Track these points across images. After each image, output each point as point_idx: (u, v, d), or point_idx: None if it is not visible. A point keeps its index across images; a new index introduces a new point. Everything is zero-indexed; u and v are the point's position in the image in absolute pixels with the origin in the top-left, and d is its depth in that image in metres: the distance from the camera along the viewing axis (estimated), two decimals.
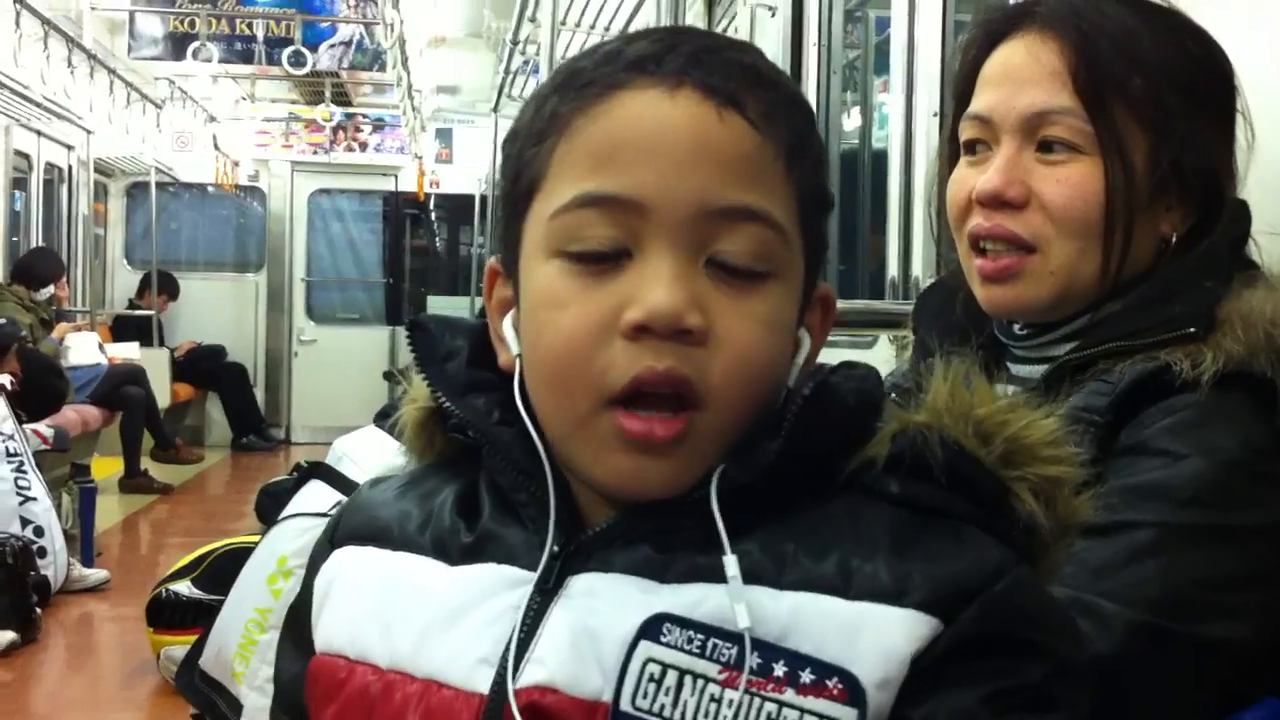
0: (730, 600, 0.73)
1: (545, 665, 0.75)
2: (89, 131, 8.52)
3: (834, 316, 0.87)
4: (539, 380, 0.79)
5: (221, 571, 3.87)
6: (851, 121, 3.91)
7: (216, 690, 3.34)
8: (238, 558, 3.66)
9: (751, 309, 0.77)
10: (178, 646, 3.81)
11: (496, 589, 0.79)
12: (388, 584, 0.84)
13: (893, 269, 2.43)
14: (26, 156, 8.50)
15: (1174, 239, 1.16)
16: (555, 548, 0.78)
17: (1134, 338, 1.10)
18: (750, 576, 0.74)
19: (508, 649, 0.76)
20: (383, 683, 0.80)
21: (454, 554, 0.82)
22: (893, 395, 0.89)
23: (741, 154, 0.77)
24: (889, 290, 2.43)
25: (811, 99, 3.16)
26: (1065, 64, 1.14)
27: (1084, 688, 0.76)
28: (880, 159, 3.03)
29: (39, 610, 4.88)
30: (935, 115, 2.42)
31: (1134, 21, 1.16)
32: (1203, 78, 1.17)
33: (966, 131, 1.21)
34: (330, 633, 0.86)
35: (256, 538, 3.55)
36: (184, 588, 4.09)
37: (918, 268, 2.34)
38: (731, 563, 0.74)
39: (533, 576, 0.78)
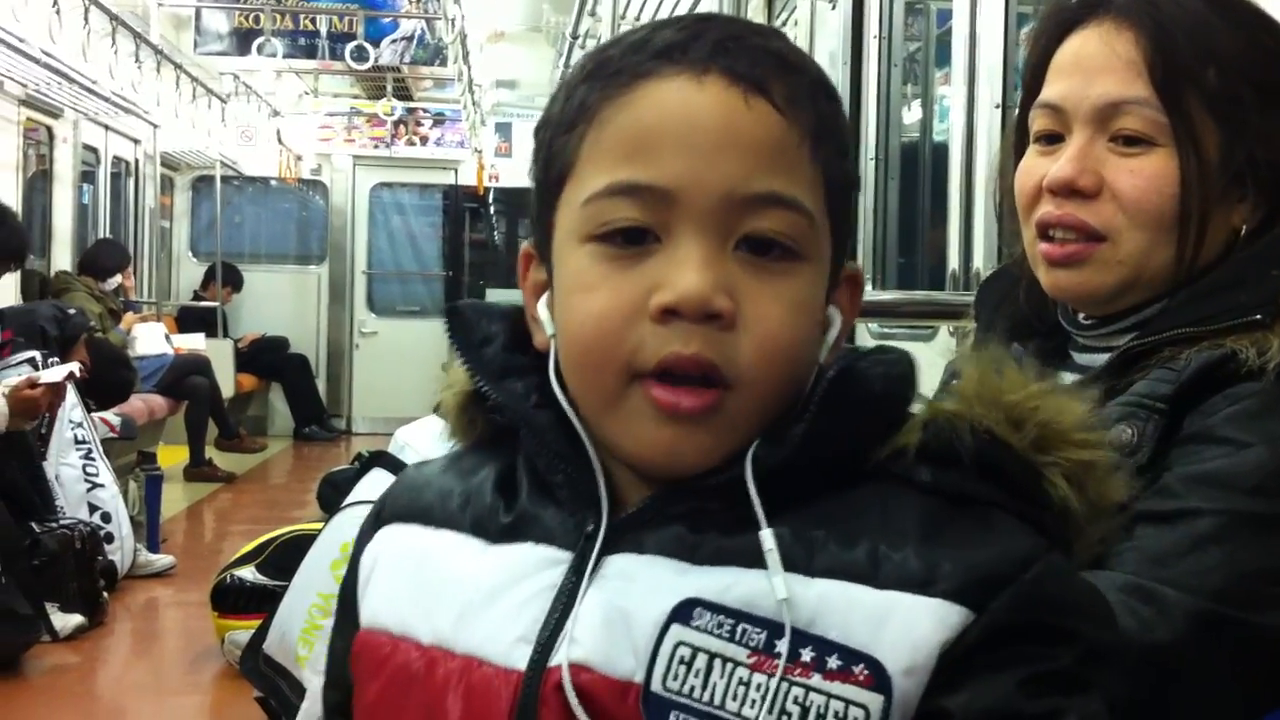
0: (768, 574, 0.74)
1: (581, 645, 0.76)
2: (155, 126, 8.63)
3: (862, 294, 0.89)
4: (571, 360, 0.81)
5: (284, 558, 3.92)
6: (912, 115, 3.90)
7: (280, 674, 3.40)
8: (300, 545, 3.71)
9: (780, 292, 0.78)
10: (242, 631, 3.86)
11: (534, 569, 0.81)
12: (429, 562, 0.86)
13: (953, 261, 2.42)
14: (94, 150, 8.62)
15: (1244, 231, 1.16)
16: (590, 528, 0.80)
17: (1199, 325, 1.09)
18: (781, 561, 0.75)
19: (545, 628, 0.78)
20: (425, 659, 0.82)
21: (493, 533, 0.84)
22: (953, 382, 0.90)
23: (768, 140, 0.78)
24: (949, 282, 2.42)
25: (871, 92, 3.15)
26: (1140, 54, 1.13)
27: (1114, 669, 0.76)
28: (941, 152, 3.02)
29: (106, 595, 4.95)
30: (997, 107, 2.42)
31: (1208, 13, 1.15)
32: (1276, 71, 1.16)
33: (1038, 121, 1.21)
34: (375, 609, 0.88)
35: (319, 525, 3.60)
36: (248, 574, 4.15)
37: (979, 260, 2.33)
38: (768, 535, 0.75)
39: (568, 556, 0.80)
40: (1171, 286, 1.14)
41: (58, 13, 6.19)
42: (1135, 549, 1.01)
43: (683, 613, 0.75)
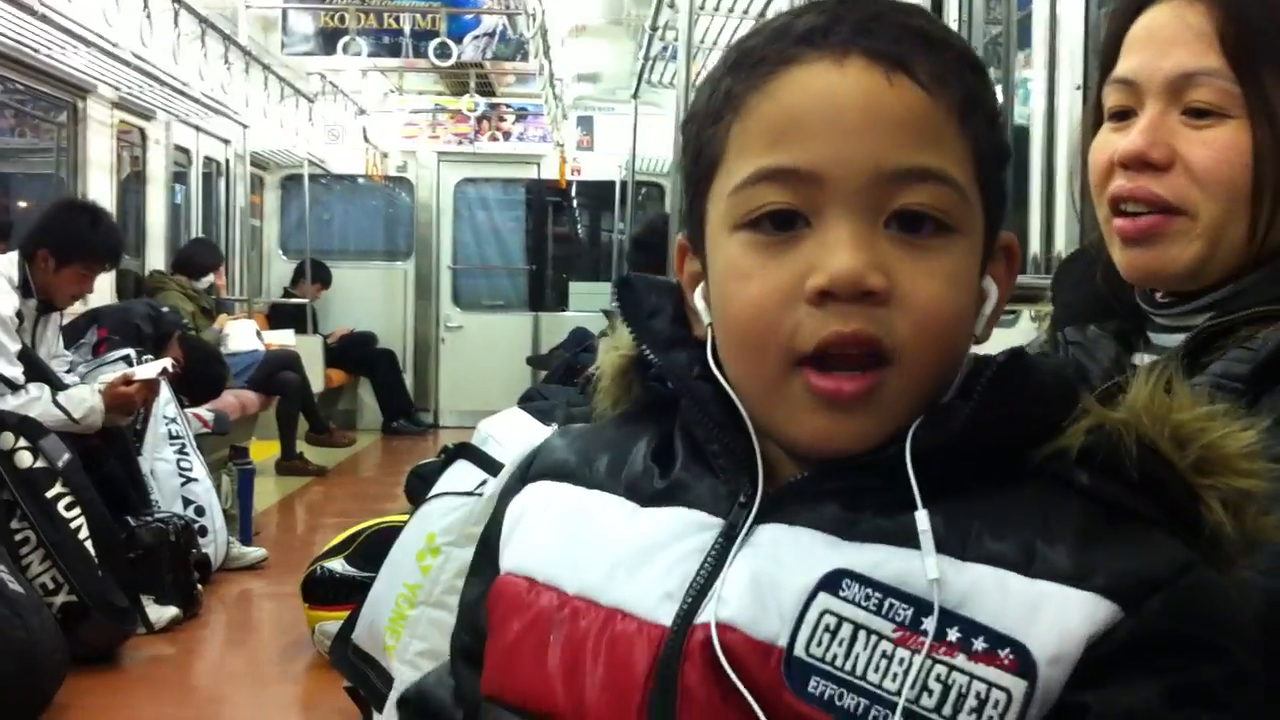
0: (921, 552, 0.75)
1: (728, 605, 0.78)
2: (245, 126, 8.77)
3: (1018, 263, 0.88)
4: (730, 347, 0.83)
5: (373, 549, 3.97)
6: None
7: (369, 664, 3.45)
8: (388, 536, 3.75)
9: (934, 267, 0.78)
10: (331, 622, 3.92)
11: (685, 531, 0.83)
12: (580, 517, 0.88)
13: (1034, 245, 2.39)
14: (186, 151, 8.78)
15: None
16: (743, 498, 0.82)
17: (1276, 303, 1.07)
18: (935, 545, 0.76)
19: (692, 587, 0.80)
20: (569, 607, 0.84)
21: (645, 496, 0.86)
22: (1121, 395, 0.89)
23: (913, 116, 0.78)
24: (1030, 266, 2.40)
25: None
26: (1213, 25, 1.11)
27: (1254, 696, 0.76)
28: (1022, 135, 2.98)
29: (200, 587, 5.05)
30: (1078, 89, 2.38)
31: None
32: None
33: (1111, 97, 1.19)
34: (520, 557, 0.90)
35: (406, 517, 3.64)
36: (337, 565, 4.20)
37: (1060, 243, 2.30)
38: (923, 516, 0.76)
39: (719, 523, 0.82)
40: (1247, 263, 1.12)
41: (148, 17, 6.31)
42: None
43: (831, 582, 0.76)
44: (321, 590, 4.21)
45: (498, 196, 11.79)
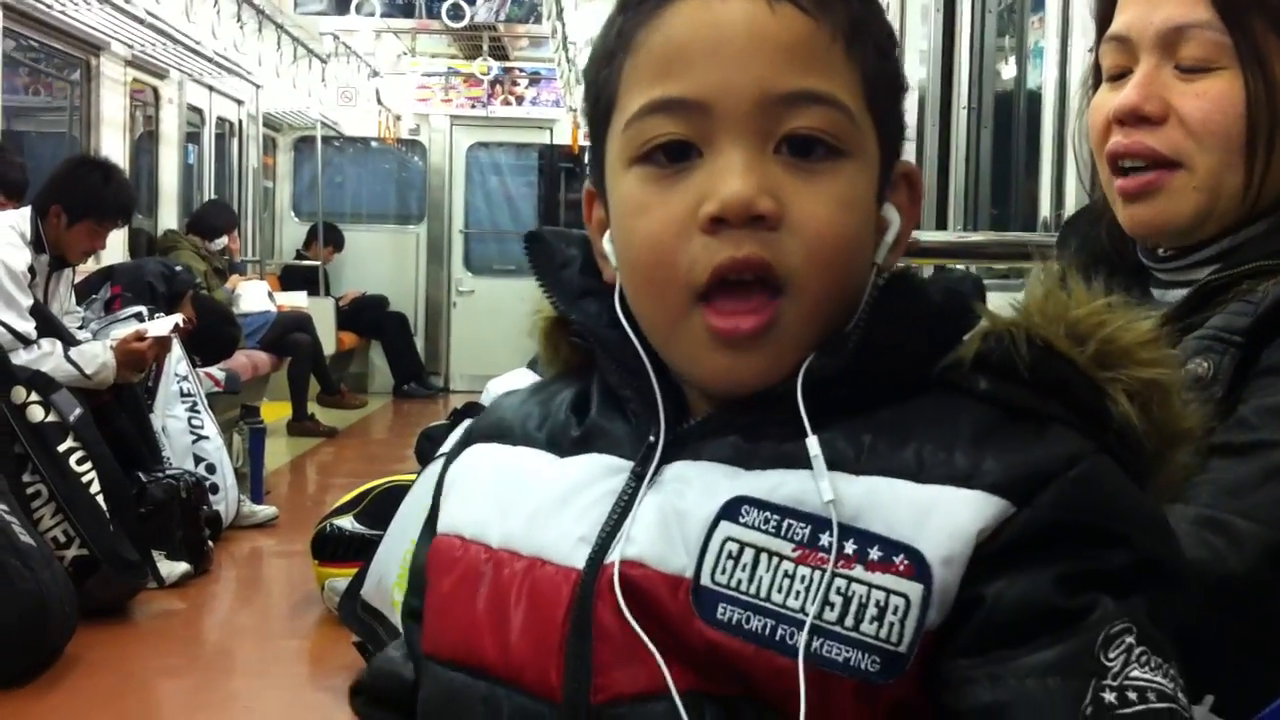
0: (814, 479, 0.76)
1: (636, 543, 0.79)
2: (258, 86, 8.77)
3: (921, 193, 0.89)
4: (633, 287, 0.84)
5: (381, 508, 4.00)
6: (1008, 66, 3.84)
7: (377, 619, 3.49)
8: (396, 495, 3.79)
9: (825, 190, 0.79)
10: (340, 578, 3.96)
11: (599, 476, 0.84)
12: (505, 474, 0.89)
13: (1045, 209, 2.39)
14: (199, 111, 8.79)
15: None
16: (652, 438, 0.82)
17: (1277, 258, 1.08)
18: (829, 463, 0.77)
19: (604, 529, 0.81)
20: (493, 560, 0.85)
21: (564, 447, 0.88)
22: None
23: (796, 40, 0.79)
24: (1040, 226, 2.39)
25: (965, 40, 3.11)
26: None
27: (1171, 586, 0.76)
28: (1035, 99, 2.97)
29: (211, 543, 5.08)
30: (1090, 51, 2.37)
31: None
32: None
33: (1107, 57, 1.19)
34: (451, 516, 0.92)
35: (414, 477, 3.67)
36: (346, 523, 4.23)
37: (1070, 206, 2.30)
38: (814, 442, 0.77)
39: (631, 465, 0.83)
40: (1247, 212, 1.13)
41: None
42: (1209, 481, 1.00)
43: (731, 510, 0.78)
44: (330, 547, 4.24)
45: (510, 161, 11.78)
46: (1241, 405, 1.03)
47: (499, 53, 10.86)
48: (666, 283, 0.80)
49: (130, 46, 6.99)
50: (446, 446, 3.49)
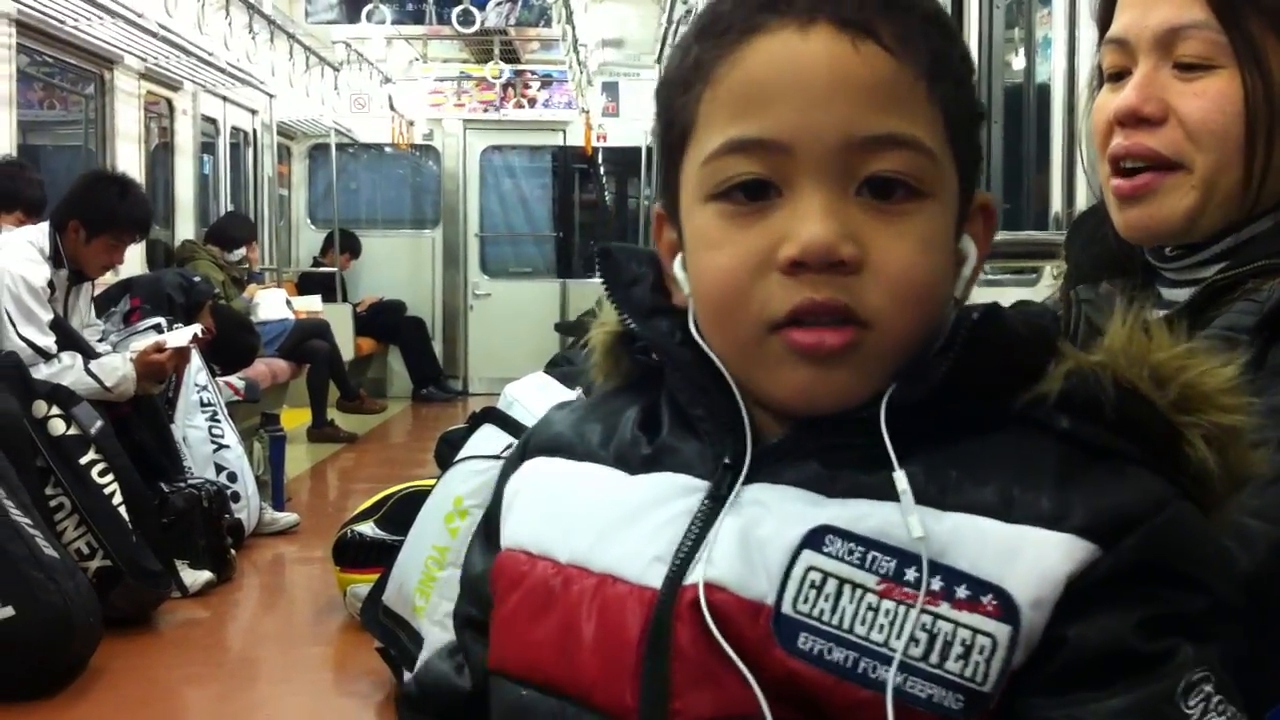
0: (902, 514, 0.76)
1: (716, 565, 0.78)
2: (271, 96, 8.80)
3: (995, 223, 0.88)
4: (706, 316, 0.83)
5: (401, 513, 4.01)
6: (1017, 59, 3.83)
7: (399, 624, 3.49)
8: (416, 500, 3.80)
9: (905, 231, 0.78)
10: (362, 584, 3.97)
11: (672, 495, 0.83)
12: (571, 489, 0.89)
13: (1056, 204, 2.38)
14: (213, 121, 8.82)
15: None
16: (727, 460, 0.82)
17: None
18: (913, 496, 0.76)
19: (680, 549, 0.80)
20: (562, 576, 0.85)
21: (634, 464, 0.87)
22: (1098, 339, 0.90)
23: (880, 82, 0.78)
24: (1053, 225, 2.39)
25: (974, 34, 3.10)
26: None
27: (1240, 626, 0.77)
28: (1044, 93, 2.96)
29: (233, 552, 5.09)
30: (1097, 46, 2.37)
31: None
32: None
33: (1106, 58, 1.20)
34: (516, 531, 0.91)
35: (434, 482, 3.68)
36: (367, 529, 4.24)
37: (1081, 202, 2.30)
38: (901, 477, 0.76)
39: (705, 485, 0.82)
40: (1246, 210, 1.13)
41: None
42: None
43: (815, 539, 0.77)
44: (352, 553, 4.25)
45: (524, 164, 11.79)
46: (1250, 404, 1.04)
47: (510, 56, 10.88)
48: (739, 316, 0.80)
49: (143, 59, 7.02)
50: (466, 451, 3.50)
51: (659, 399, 0.90)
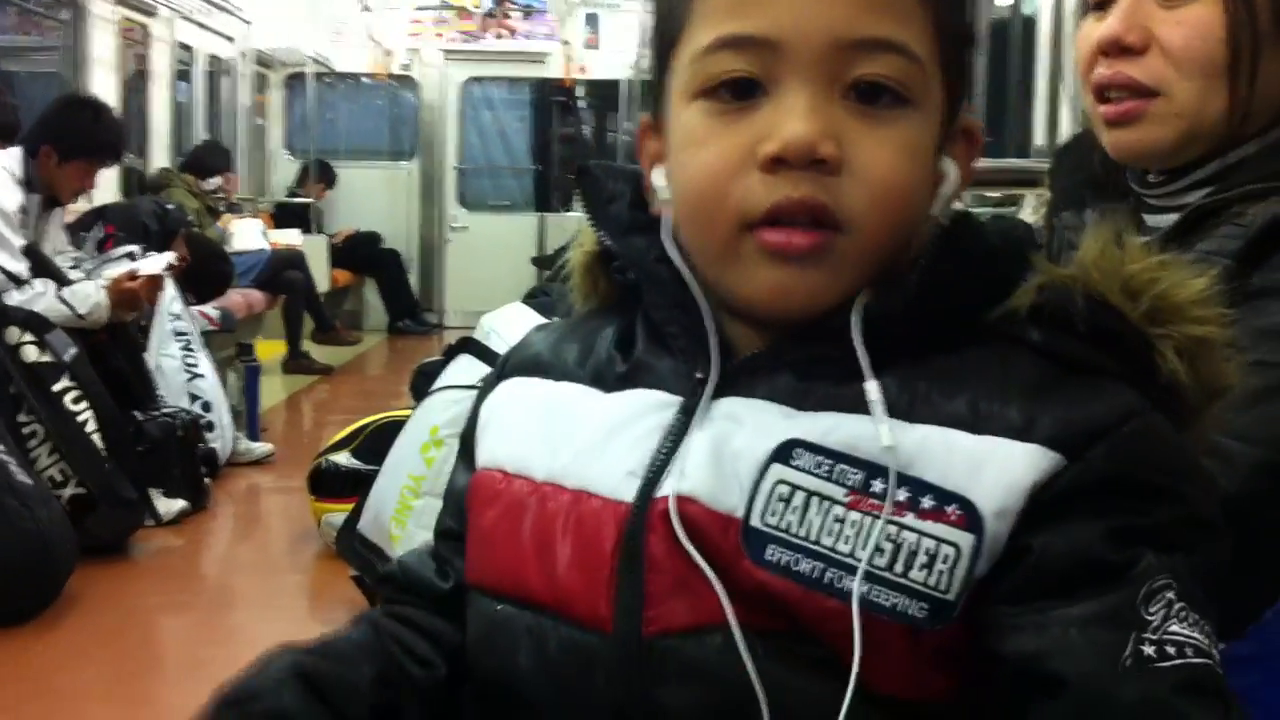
0: (872, 424, 0.76)
1: (688, 478, 0.79)
2: (248, 23, 8.69)
3: (980, 148, 0.88)
4: (685, 214, 0.83)
5: (377, 443, 4.01)
6: None
7: (374, 552, 3.51)
8: (392, 430, 3.80)
9: (888, 136, 0.78)
10: (338, 514, 3.98)
11: (646, 411, 0.84)
12: (548, 408, 0.89)
13: (1039, 135, 2.38)
14: (190, 49, 8.71)
15: None
16: (700, 374, 0.82)
17: (1267, 180, 1.08)
18: (885, 407, 0.77)
19: (653, 463, 0.81)
20: (538, 493, 0.86)
21: (609, 382, 0.88)
22: (1072, 251, 0.90)
23: None
24: (1034, 153, 2.38)
25: None
26: None
27: (1215, 539, 0.77)
28: (1029, 25, 2.94)
29: (208, 480, 5.09)
30: None
31: None
32: None
33: None
34: (493, 450, 0.92)
35: (409, 412, 3.68)
36: (343, 458, 4.24)
37: (1064, 131, 2.29)
38: (873, 387, 0.77)
39: (679, 401, 0.83)
40: (1233, 136, 1.13)
41: None
42: None
43: (783, 452, 0.78)
44: (328, 483, 4.25)
45: (503, 96, 11.70)
46: (1233, 328, 1.04)
47: None
48: (719, 212, 0.79)
49: None
50: (442, 381, 3.50)
51: (634, 319, 0.90)
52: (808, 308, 0.80)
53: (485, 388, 0.97)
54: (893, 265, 0.80)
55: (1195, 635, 0.73)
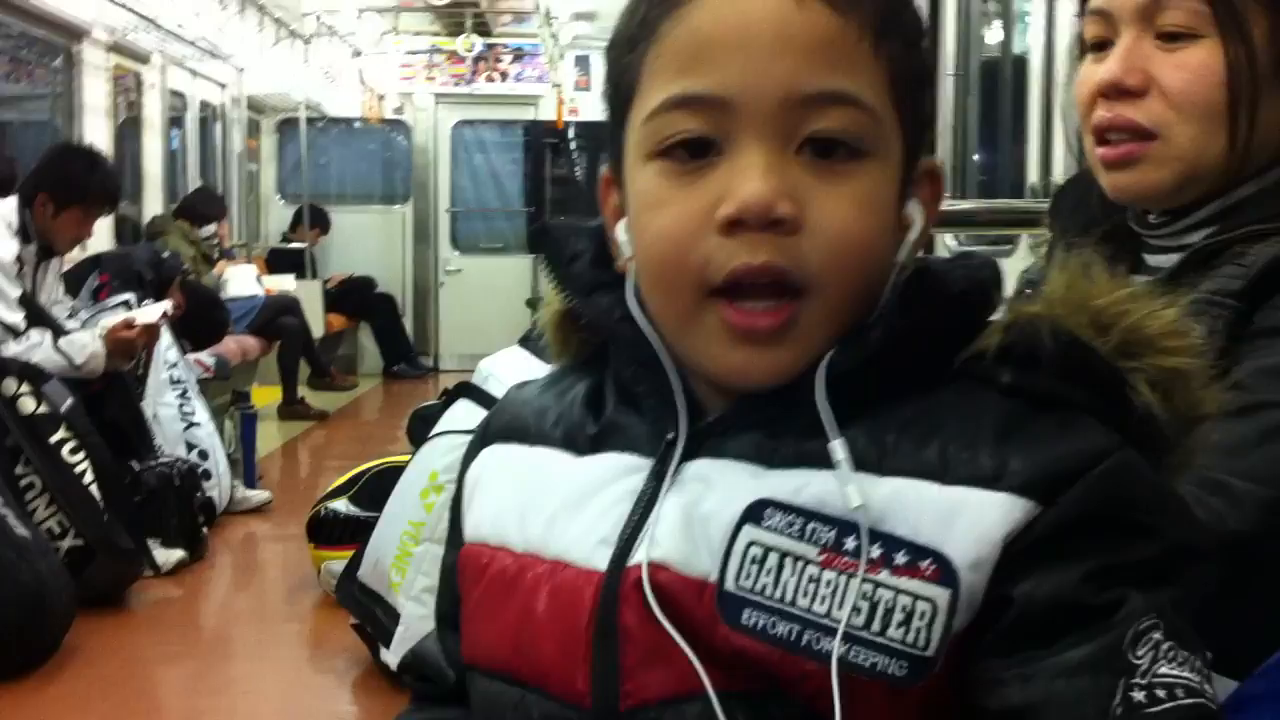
0: (839, 483, 0.75)
1: (660, 545, 0.78)
2: (240, 69, 8.73)
3: (943, 189, 0.87)
4: (647, 279, 0.82)
5: (376, 489, 3.99)
6: (994, 33, 3.83)
7: (375, 600, 3.49)
8: (391, 476, 3.78)
9: (846, 191, 0.78)
10: (337, 561, 3.96)
11: (617, 475, 0.83)
12: (524, 476, 0.89)
13: (1032, 174, 2.39)
14: (182, 96, 8.74)
15: None
16: (670, 436, 0.82)
17: (1268, 221, 1.09)
18: (853, 463, 0.76)
19: (625, 530, 0.80)
20: (517, 565, 0.85)
21: (581, 445, 0.87)
22: (1026, 291, 0.90)
23: (823, 39, 0.77)
24: (1028, 193, 2.39)
25: (952, 8, 3.10)
26: None
27: (1198, 567, 0.76)
28: (1021, 65, 2.96)
29: (205, 530, 5.06)
30: (1077, 16, 2.37)
31: None
32: None
33: (1089, 29, 1.20)
34: (476, 523, 0.91)
35: (408, 457, 3.66)
36: (341, 505, 4.22)
37: (1059, 173, 2.30)
38: (838, 446, 0.76)
39: (650, 463, 0.82)
40: (1231, 177, 1.13)
41: None
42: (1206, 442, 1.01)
43: (754, 513, 0.77)
44: (326, 530, 4.23)
45: (495, 138, 11.73)
46: (1236, 368, 1.04)
47: (482, 29, 10.82)
48: (679, 279, 0.79)
49: (111, 31, 6.94)
50: (441, 426, 3.49)
51: (605, 377, 0.89)
52: (774, 382, 0.79)
53: (468, 455, 0.96)
54: (861, 318, 0.79)
55: (1186, 675, 0.71)
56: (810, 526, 0.76)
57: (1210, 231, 1.14)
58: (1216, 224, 1.14)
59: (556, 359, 0.96)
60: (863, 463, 0.76)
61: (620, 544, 0.80)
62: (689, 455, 0.81)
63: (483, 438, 0.95)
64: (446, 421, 3.49)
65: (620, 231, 0.85)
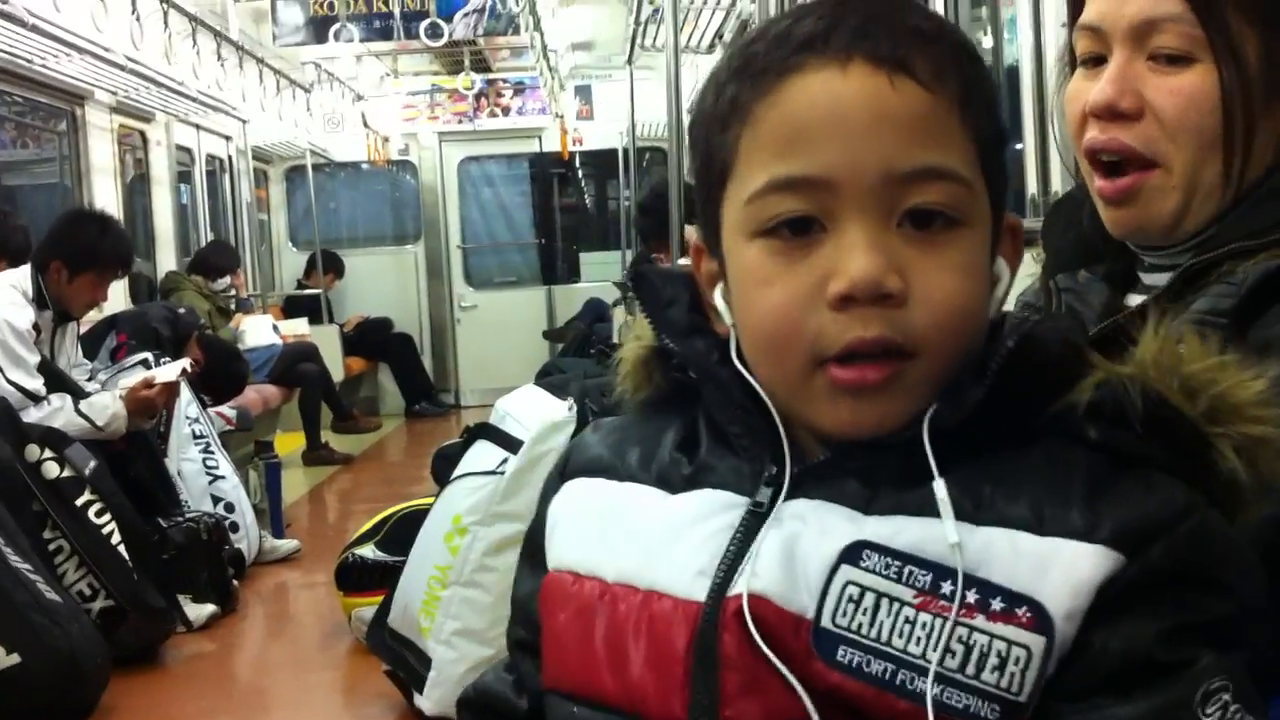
0: (942, 521, 0.78)
1: (760, 578, 0.81)
2: (244, 121, 8.78)
3: (1023, 240, 0.91)
4: (754, 348, 0.86)
5: (401, 534, 4.01)
6: (986, 41, 3.84)
7: (406, 646, 3.50)
8: (415, 520, 3.80)
9: (947, 260, 0.81)
10: (367, 607, 3.97)
11: (713, 511, 0.86)
12: (615, 510, 0.92)
13: (1031, 186, 2.39)
14: (188, 150, 8.79)
15: None
16: (770, 473, 0.85)
17: (1256, 237, 1.08)
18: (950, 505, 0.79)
19: (723, 563, 0.83)
20: (609, 594, 0.88)
21: (675, 484, 0.90)
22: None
23: (917, 115, 0.81)
24: (1030, 209, 2.39)
25: (939, 13, 3.10)
26: None
27: (1263, 632, 0.78)
28: (1013, 74, 2.97)
29: (236, 582, 5.09)
30: (1064, 25, 2.37)
31: None
32: None
33: (1080, 43, 1.19)
34: (562, 553, 0.94)
35: (432, 500, 3.68)
36: (368, 551, 4.23)
37: (1057, 183, 2.30)
38: (940, 485, 0.79)
39: (745, 501, 0.85)
40: (1228, 203, 1.13)
41: (137, 19, 6.31)
42: None
43: (852, 554, 0.80)
44: (355, 577, 4.24)
45: (502, 172, 11.76)
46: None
47: (481, 66, 10.86)
48: (791, 349, 0.82)
49: (114, 93, 7.00)
50: (462, 468, 3.50)
51: (695, 418, 0.93)
52: (878, 433, 0.82)
53: (548, 489, 1.00)
54: (958, 372, 0.82)
55: None
56: (907, 569, 0.78)
57: (1197, 248, 1.14)
58: (1204, 242, 1.14)
59: (635, 392, 0.99)
60: (958, 513, 0.79)
61: (719, 576, 0.83)
62: (787, 495, 0.84)
63: (561, 474, 0.99)
64: (467, 463, 3.50)
65: (718, 299, 0.89)
